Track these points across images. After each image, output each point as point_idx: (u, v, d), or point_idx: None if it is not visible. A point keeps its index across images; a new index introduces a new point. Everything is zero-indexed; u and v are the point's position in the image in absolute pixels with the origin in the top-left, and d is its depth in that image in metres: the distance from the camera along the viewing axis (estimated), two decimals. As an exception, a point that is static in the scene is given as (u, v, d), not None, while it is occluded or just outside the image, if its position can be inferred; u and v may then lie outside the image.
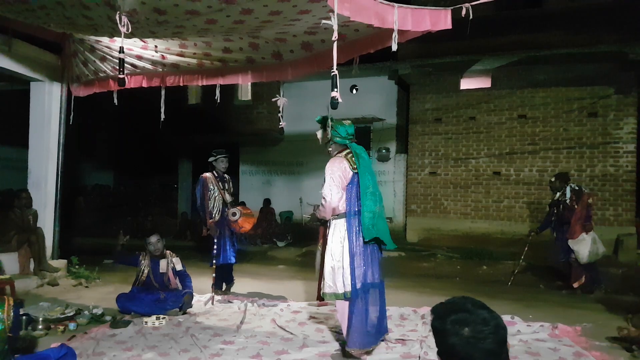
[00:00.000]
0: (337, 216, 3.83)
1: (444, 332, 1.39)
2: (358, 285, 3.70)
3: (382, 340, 4.00)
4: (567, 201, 6.56)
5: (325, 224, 4.03)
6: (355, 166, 3.82)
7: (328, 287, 3.78)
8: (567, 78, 9.99)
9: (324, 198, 3.79)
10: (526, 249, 7.20)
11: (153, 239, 5.21)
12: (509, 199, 10.50)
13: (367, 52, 4.47)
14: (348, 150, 3.93)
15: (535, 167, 10.29)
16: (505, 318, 4.47)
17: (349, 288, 3.70)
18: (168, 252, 5.32)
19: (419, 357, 3.78)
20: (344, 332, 3.81)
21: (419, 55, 10.59)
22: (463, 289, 6.58)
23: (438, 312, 1.46)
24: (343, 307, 3.78)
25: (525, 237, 7.61)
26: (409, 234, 11.30)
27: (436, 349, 1.47)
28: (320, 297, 3.94)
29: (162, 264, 5.21)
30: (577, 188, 6.67)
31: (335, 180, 3.78)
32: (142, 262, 5.21)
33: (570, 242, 6.41)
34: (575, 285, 6.41)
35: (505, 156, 10.54)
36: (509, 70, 10.29)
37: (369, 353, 3.80)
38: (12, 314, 2.84)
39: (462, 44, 9.56)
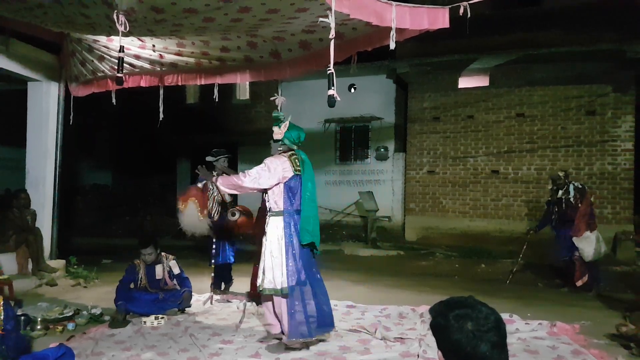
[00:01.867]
0: (275, 213, 3.91)
1: (446, 328, 1.38)
2: (294, 282, 3.80)
3: (327, 333, 4.06)
4: (571, 199, 6.53)
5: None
6: (298, 168, 3.90)
7: (268, 282, 3.85)
8: (565, 76, 10.00)
9: (249, 174, 3.81)
10: (524, 247, 7.20)
11: (146, 251, 5.05)
12: (507, 197, 10.51)
13: (365, 50, 4.47)
14: (293, 152, 4.02)
15: (534, 165, 10.31)
16: (504, 316, 4.44)
17: (285, 284, 3.80)
18: (164, 255, 5.24)
19: (418, 355, 3.78)
20: (284, 326, 3.88)
21: (417, 54, 10.59)
22: (462, 288, 6.58)
23: (438, 310, 1.45)
24: (281, 302, 3.87)
25: (524, 235, 7.61)
26: (408, 232, 11.31)
27: (436, 348, 1.46)
28: (255, 290, 3.99)
29: (158, 270, 5.14)
30: (580, 186, 6.67)
31: (269, 170, 3.83)
32: (139, 271, 5.09)
33: (575, 240, 6.35)
34: (579, 283, 6.37)
35: (503, 155, 10.55)
36: (507, 69, 10.28)
37: (309, 344, 3.89)
38: (1, 310, 2.82)
39: (460, 42, 9.57)
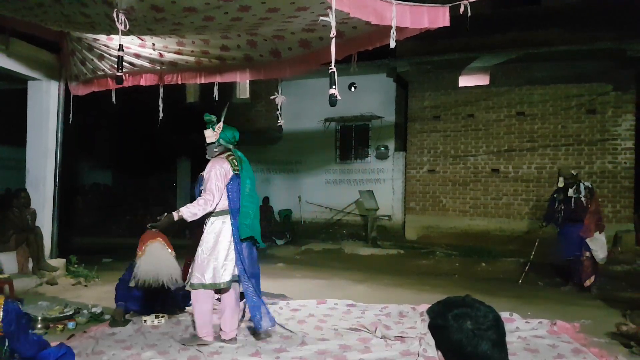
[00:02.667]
0: (215, 213, 4.00)
1: (446, 328, 1.38)
2: (236, 277, 3.98)
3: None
4: (582, 198, 6.44)
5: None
6: (236, 168, 4.04)
7: (196, 278, 3.96)
8: (565, 75, 10.00)
9: (212, 195, 3.90)
10: (537, 244, 7.02)
11: None
12: (507, 196, 10.51)
13: (365, 49, 4.47)
14: (230, 153, 4.13)
15: (534, 164, 10.31)
16: (504, 315, 4.48)
17: (222, 279, 3.94)
18: None
19: (418, 354, 3.78)
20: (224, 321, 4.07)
21: (418, 52, 10.58)
22: (462, 287, 6.57)
23: (437, 311, 1.45)
24: (205, 296, 3.99)
25: (524, 234, 7.58)
26: (408, 231, 11.31)
27: (436, 348, 1.46)
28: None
29: None
30: (589, 186, 6.58)
31: (219, 179, 3.94)
32: None
33: (588, 241, 6.25)
34: (587, 283, 6.27)
35: (503, 153, 10.55)
36: (507, 68, 10.28)
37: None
38: (1, 310, 2.80)
39: (461, 41, 9.57)
